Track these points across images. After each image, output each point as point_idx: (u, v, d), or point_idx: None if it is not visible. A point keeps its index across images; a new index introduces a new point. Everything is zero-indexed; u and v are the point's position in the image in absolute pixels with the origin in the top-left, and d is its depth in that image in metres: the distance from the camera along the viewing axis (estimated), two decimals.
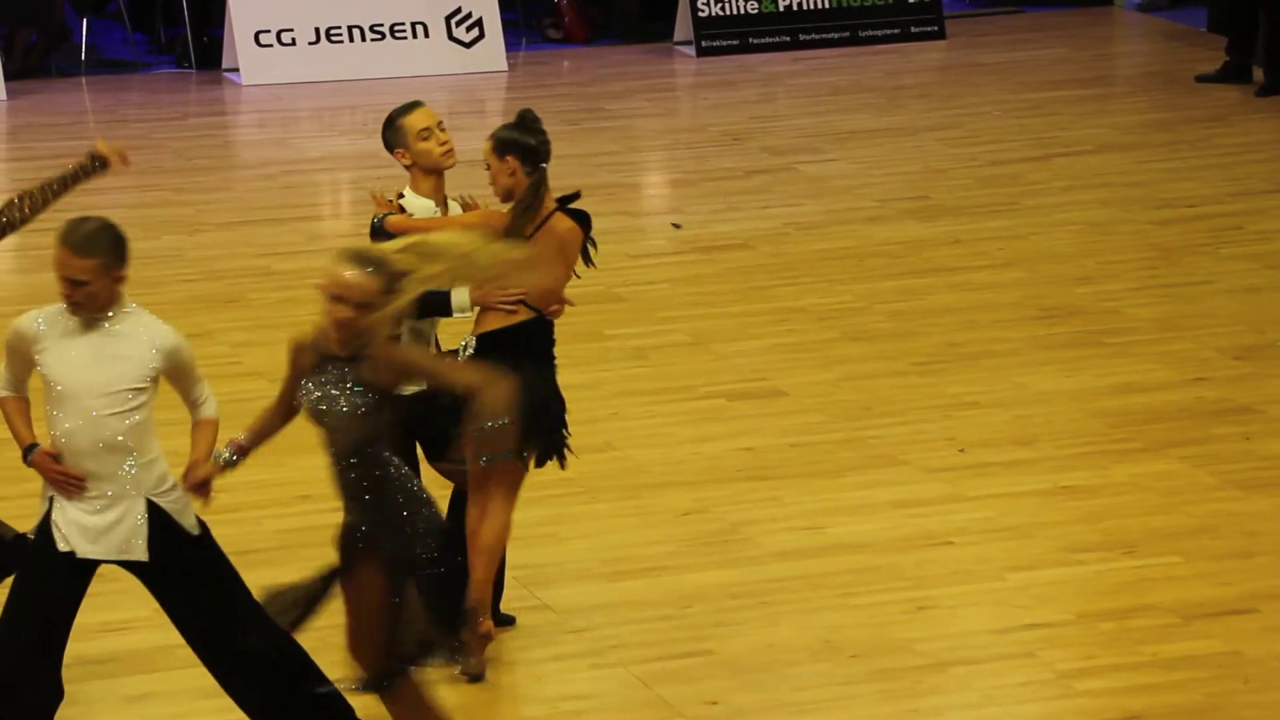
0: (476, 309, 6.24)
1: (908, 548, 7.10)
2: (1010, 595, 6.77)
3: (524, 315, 6.15)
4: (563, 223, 6.24)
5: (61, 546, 5.42)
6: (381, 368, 5.21)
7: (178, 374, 5.47)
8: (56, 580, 5.44)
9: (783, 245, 10.53)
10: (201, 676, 6.18)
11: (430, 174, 6.47)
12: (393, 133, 6.50)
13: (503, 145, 6.23)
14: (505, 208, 6.29)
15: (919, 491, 7.57)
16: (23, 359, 5.49)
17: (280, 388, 5.46)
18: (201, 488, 5.46)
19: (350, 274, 5.17)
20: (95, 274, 5.37)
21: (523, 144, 6.20)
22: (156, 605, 6.75)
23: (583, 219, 6.32)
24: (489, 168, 6.31)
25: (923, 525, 7.29)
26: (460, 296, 6.26)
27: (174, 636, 6.48)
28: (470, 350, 6.18)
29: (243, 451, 5.52)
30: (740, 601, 6.74)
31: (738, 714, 6.08)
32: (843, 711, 6.06)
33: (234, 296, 9.66)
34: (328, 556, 6.84)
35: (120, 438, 5.36)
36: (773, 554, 7.08)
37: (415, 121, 6.46)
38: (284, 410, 5.47)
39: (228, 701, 6.09)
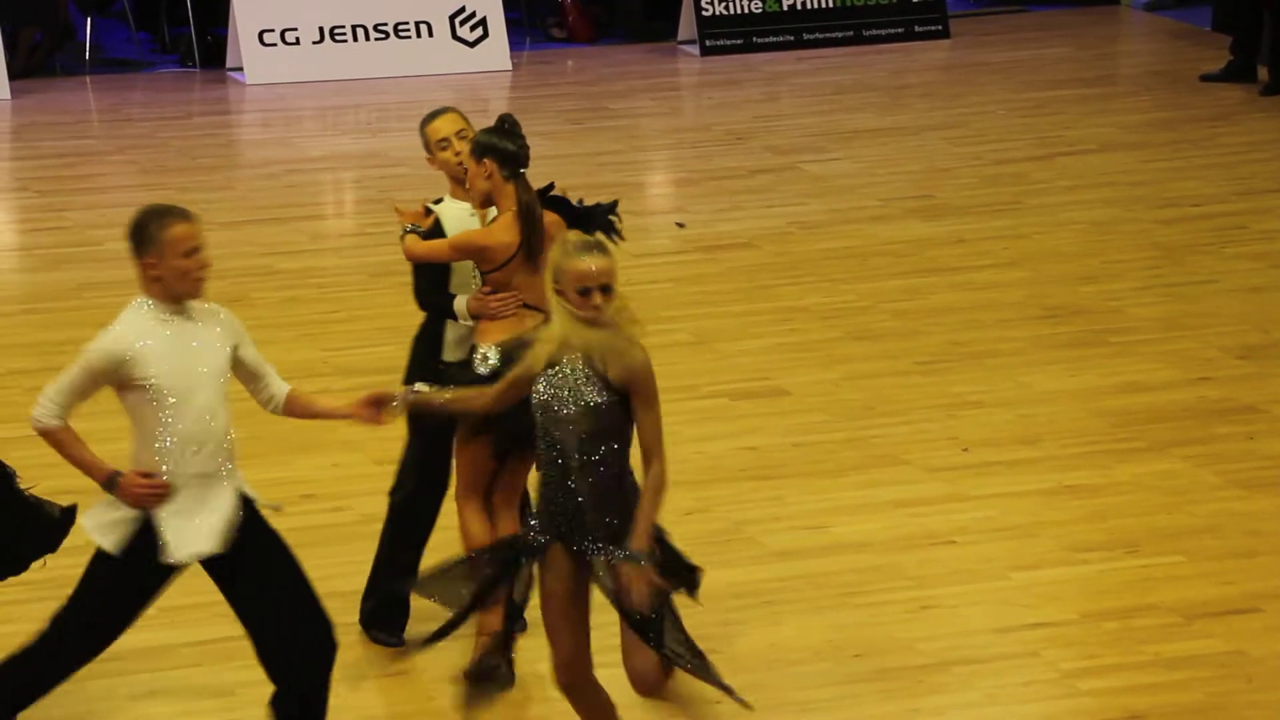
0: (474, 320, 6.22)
1: (910, 547, 7.10)
2: (1013, 595, 6.77)
3: (533, 318, 6.13)
4: (549, 217, 6.25)
5: (166, 559, 5.33)
6: (624, 363, 5.16)
7: (244, 343, 5.43)
8: (144, 597, 5.41)
9: (786, 244, 10.53)
10: (205, 675, 6.20)
11: (457, 182, 6.42)
12: (422, 138, 6.50)
13: (480, 149, 6.20)
14: (490, 214, 6.26)
15: (922, 491, 7.56)
16: (106, 383, 5.38)
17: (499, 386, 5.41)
18: (380, 403, 5.38)
19: (605, 260, 5.17)
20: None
21: (500, 149, 6.17)
22: (161, 604, 6.75)
23: (562, 205, 6.31)
24: (466, 171, 6.28)
25: (925, 524, 7.29)
26: (460, 303, 6.26)
27: (179, 635, 6.49)
28: (492, 360, 6.13)
29: (407, 404, 5.45)
30: (743, 601, 6.74)
31: (742, 713, 6.07)
32: (845, 710, 6.06)
33: (237, 296, 9.66)
34: (330, 555, 6.84)
35: (226, 429, 5.35)
36: (775, 553, 7.08)
37: (436, 130, 6.44)
38: (489, 401, 5.41)
39: (232, 700, 6.10)
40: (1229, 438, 8.04)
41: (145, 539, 5.33)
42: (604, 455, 5.20)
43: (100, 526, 5.39)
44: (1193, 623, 6.56)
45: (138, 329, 5.34)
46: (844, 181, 11.60)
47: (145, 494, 5.31)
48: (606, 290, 5.19)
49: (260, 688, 5.95)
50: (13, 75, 13.55)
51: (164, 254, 5.30)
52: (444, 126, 6.43)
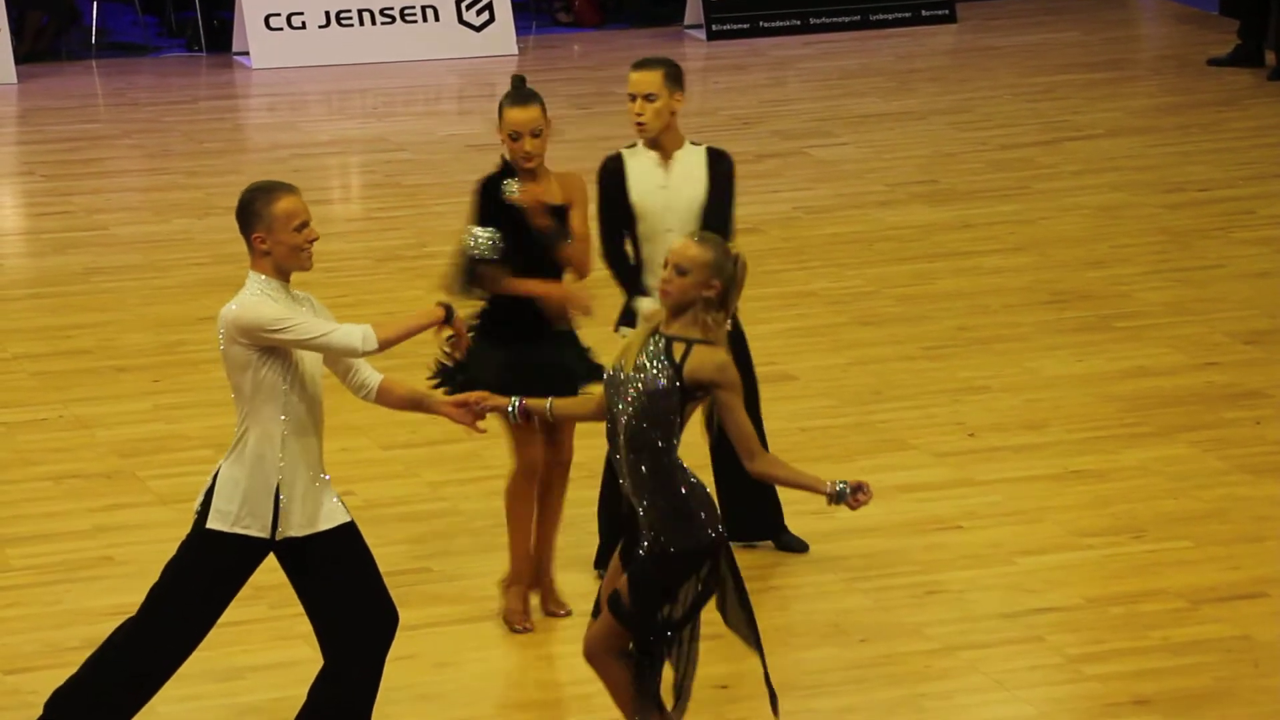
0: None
1: (917, 532, 7.09)
2: (1019, 579, 6.77)
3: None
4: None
5: (272, 534, 5.34)
6: (707, 361, 5.17)
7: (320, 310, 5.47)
8: (246, 573, 5.42)
9: (793, 229, 10.52)
10: (213, 659, 6.20)
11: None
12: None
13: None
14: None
15: (928, 476, 7.56)
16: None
17: None
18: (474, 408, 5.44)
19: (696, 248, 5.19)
20: None
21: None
22: None
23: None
24: (538, 135, 6.28)
25: (932, 509, 7.28)
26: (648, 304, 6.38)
27: None
28: (482, 240, 6.21)
29: (525, 413, 5.47)
30: (749, 586, 6.72)
31: (747, 698, 6.08)
32: (852, 695, 6.07)
33: (244, 281, 9.65)
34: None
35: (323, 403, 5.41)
36: None
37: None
38: (594, 408, 5.42)
39: (239, 685, 6.11)
40: (1236, 423, 8.03)
41: (275, 512, 5.34)
42: (645, 442, 5.20)
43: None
44: (1199, 608, 6.56)
45: (273, 291, 5.37)
46: (850, 166, 11.58)
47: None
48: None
49: (267, 672, 5.96)
50: (19, 59, 13.54)
51: (273, 229, 5.30)
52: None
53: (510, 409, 5.48)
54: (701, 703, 6.04)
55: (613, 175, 6.56)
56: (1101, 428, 8.01)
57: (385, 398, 5.50)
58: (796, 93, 13.37)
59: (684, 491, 5.24)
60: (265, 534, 5.33)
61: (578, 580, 6.76)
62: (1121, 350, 8.82)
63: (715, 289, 5.22)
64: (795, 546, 6.91)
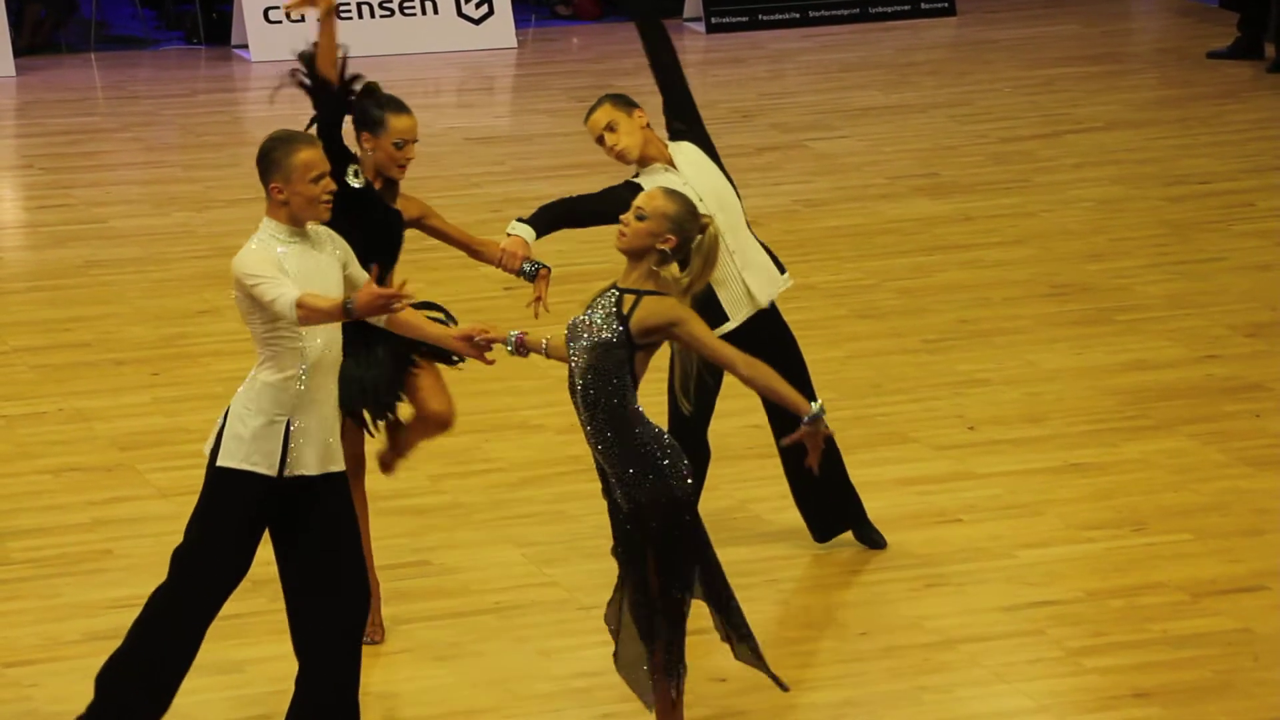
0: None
1: (917, 525, 7.09)
2: (1020, 572, 6.76)
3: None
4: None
5: (280, 472, 5.35)
6: (655, 314, 5.20)
7: (351, 261, 5.51)
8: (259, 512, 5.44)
9: (792, 222, 10.51)
10: (214, 651, 6.19)
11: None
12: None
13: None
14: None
15: (928, 469, 7.56)
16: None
17: None
18: (477, 340, 5.48)
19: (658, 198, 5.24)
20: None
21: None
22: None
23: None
24: (613, 129, 6.43)
25: (932, 502, 7.28)
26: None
27: None
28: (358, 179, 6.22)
29: (522, 346, 5.51)
30: (749, 579, 6.73)
31: (746, 691, 6.07)
32: (851, 688, 6.06)
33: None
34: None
35: (340, 354, 5.47)
36: (781, 531, 7.07)
37: (590, 126, 6.52)
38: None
39: (241, 677, 6.10)
40: (1236, 416, 8.03)
41: (282, 446, 5.36)
42: (600, 392, 5.23)
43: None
44: (1199, 601, 6.56)
45: (273, 246, 5.39)
46: (850, 159, 11.58)
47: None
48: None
49: (269, 664, 5.96)
50: (18, 51, 13.54)
51: (290, 179, 5.35)
52: (595, 121, 6.53)
53: (509, 341, 5.51)
54: (701, 696, 6.04)
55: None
56: (1102, 421, 8.00)
57: (396, 324, 5.56)
58: (796, 86, 13.36)
59: (646, 441, 5.27)
60: (273, 472, 5.33)
61: (586, 571, 6.75)
62: (1122, 343, 8.81)
63: (670, 243, 5.25)
64: (876, 541, 6.87)
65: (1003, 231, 10.33)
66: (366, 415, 6.23)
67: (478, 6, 14.22)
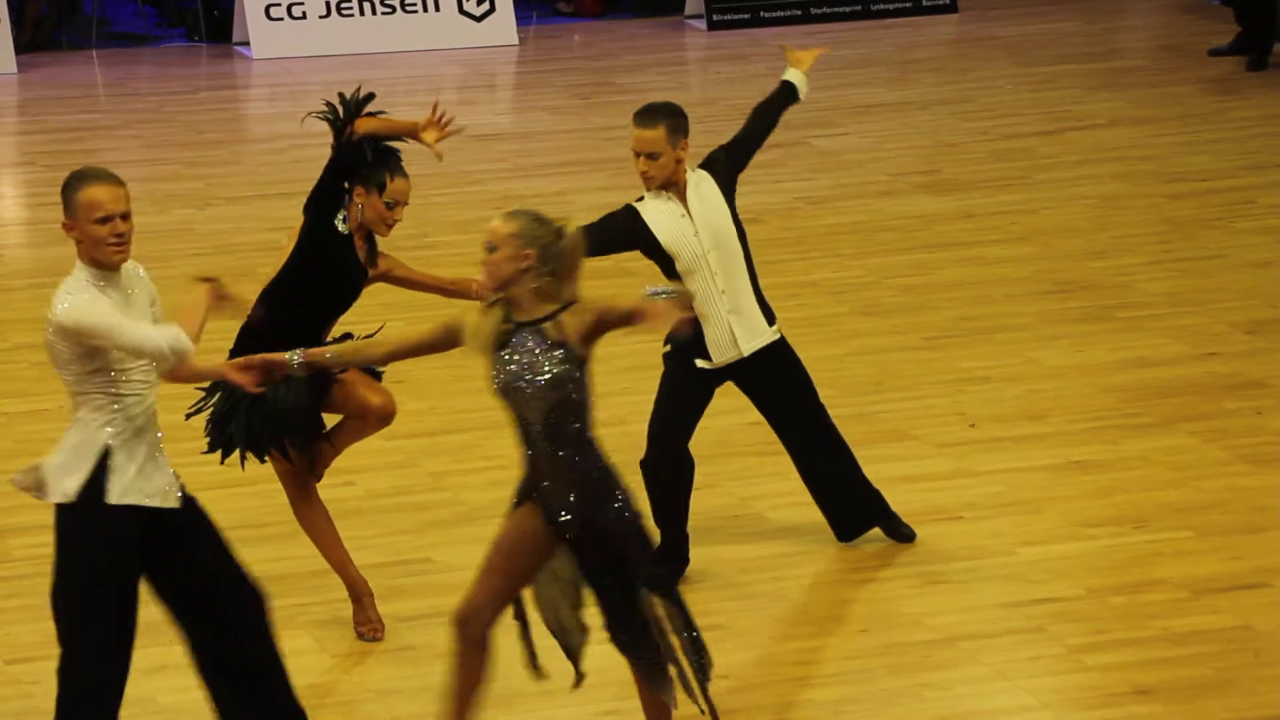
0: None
1: (918, 522, 7.09)
2: (1020, 570, 6.76)
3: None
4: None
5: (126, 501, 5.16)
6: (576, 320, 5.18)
7: (156, 299, 5.38)
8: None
9: (794, 220, 10.51)
10: None
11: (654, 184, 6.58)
12: None
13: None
14: None
15: (929, 466, 7.56)
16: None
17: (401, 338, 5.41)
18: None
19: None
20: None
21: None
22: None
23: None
24: (655, 157, 6.44)
25: (933, 500, 7.28)
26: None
27: None
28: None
29: (306, 365, 5.39)
30: (750, 576, 6.74)
31: (747, 688, 6.08)
32: (852, 685, 6.06)
33: (245, 270, 9.65)
34: (340, 531, 6.82)
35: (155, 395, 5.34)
36: (782, 528, 7.07)
37: (631, 136, 6.51)
38: (376, 357, 5.47)
39: None
40: (1237, 413, 8.03)
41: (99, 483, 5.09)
42: (566, 431, 5.21)
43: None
44: (1200, 598, 6.56)
45: (93, 291, 5.07)
46: (852, 156, 11.57)
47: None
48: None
49: (289, 659, 5.94)
50: (19, 49, 13.54)
51: (77, 217, 5.02)
52: (644, 140, 6.48)
53: (290, 359, 5.35)
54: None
55: (636, 231, 6.52)
56: (1103, 418, 8.00)
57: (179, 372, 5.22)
58: None
59: (604, 467, 5.25)
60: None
61: None
62: (1123, 340, 8.81)
63: (530, 258, 5.17)
64: (905, 534, 6.87)
65: (1004, 229, 10.33)
66: (288, 445, 6.21)
67: (479, 4, 14.22)
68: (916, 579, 6.70)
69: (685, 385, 6.64)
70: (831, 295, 9.41)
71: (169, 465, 5.18)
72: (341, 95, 6.24)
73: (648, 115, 6.51)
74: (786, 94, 6.93)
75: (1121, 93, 12.84)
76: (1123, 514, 7.17)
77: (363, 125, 6.20)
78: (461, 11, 14.17)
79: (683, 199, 6.57)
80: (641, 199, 6.60)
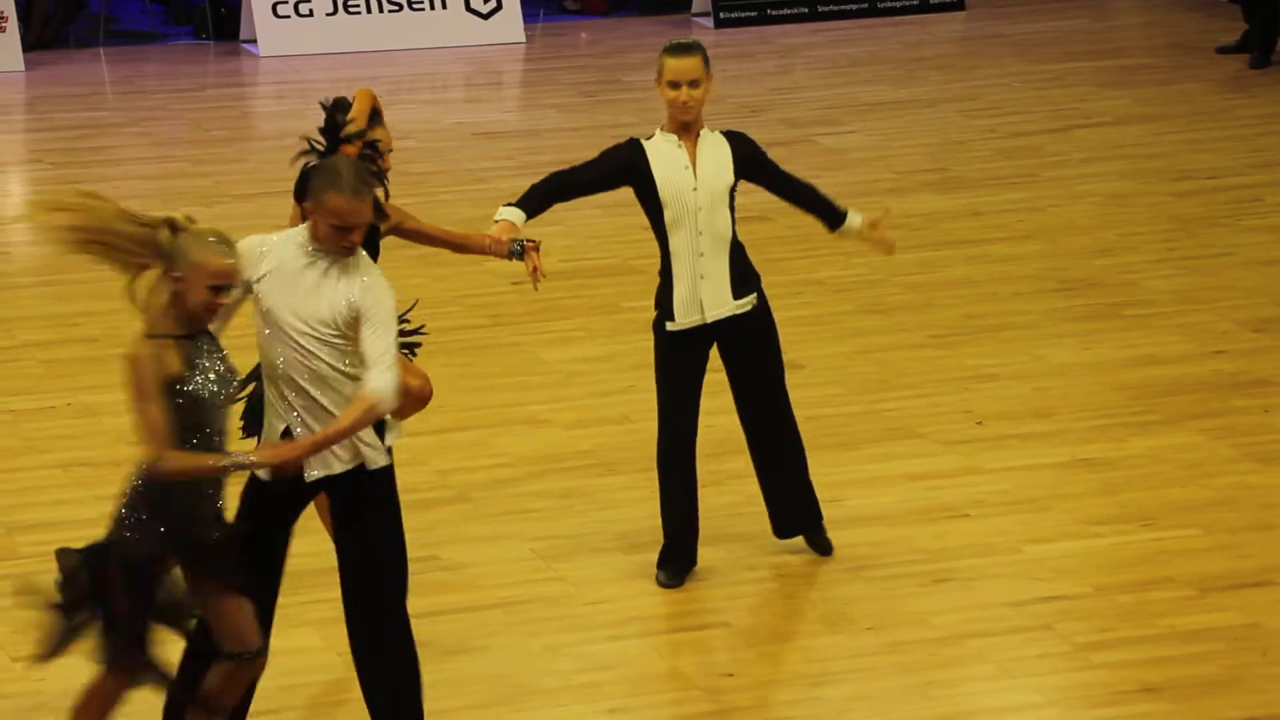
0: None
1: (924, 520, 7.09)
2: (1027, 568, 6.76)
3: None
4: None
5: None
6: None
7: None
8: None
9: (800, 217, 10.45)
10: None
11: (672, 119, 6.45)
12: (658, 62, 6.50)
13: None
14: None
15: (936, 464, 7.55)
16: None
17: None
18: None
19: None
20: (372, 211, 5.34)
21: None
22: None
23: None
24: (696, 84, 6.37)
25: (939, 498, 7.28)
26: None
27: None
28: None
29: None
30: (756, 574, 6.74)
31: (754, 686, 6.08)
32: (858, 683, 6.06)
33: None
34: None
35: None
36: None
37: (668, 68, 6.40)
38: None
39: (269, 669, 6.09)
40: (1244, 411, 8.02)
41: None
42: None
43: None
44: (1208, 596, 6.55)
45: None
46: (858, 154, 11.57)
47: None
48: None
49: (280, 659, 5.95)
50: (27, 46, 13.54)
51: (318, 213, 5.28)
52: (684, 67, 6.39)
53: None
54: (708, 690, 6.04)
55: (635, 165, 6.48)
56: (1110, 416, 8.00)
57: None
58: (804, 81, 13.35)
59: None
60: None
61: (594, 566, 6.76)
62: (1130, 338, 8.81)
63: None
64: (824, 547, 6.83)
65: (1011, 227, 10.32)
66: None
67: (486, 1, 14.22)
68: (923, 577, 6.70)
69: (673, 363, 6.58)
70: (837, 293, 9.40)
71: None
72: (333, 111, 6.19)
73: (683, 46, 6.51)
74: (833, 211, 6.77)
75: (1129, 90, 12.83)
76: (1130, 512, 7.17)
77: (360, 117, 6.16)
78: (468, 9, 14.17)
79: (692, 150, 6.52)
80: (650, 136, 6.56)
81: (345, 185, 5.27)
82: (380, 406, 5.20)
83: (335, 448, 5.30)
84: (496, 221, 6.36)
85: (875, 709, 5.94)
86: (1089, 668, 6.16)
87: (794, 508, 6.77)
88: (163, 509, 5.11)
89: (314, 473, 5.34)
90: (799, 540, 6.90)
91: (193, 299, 5.09)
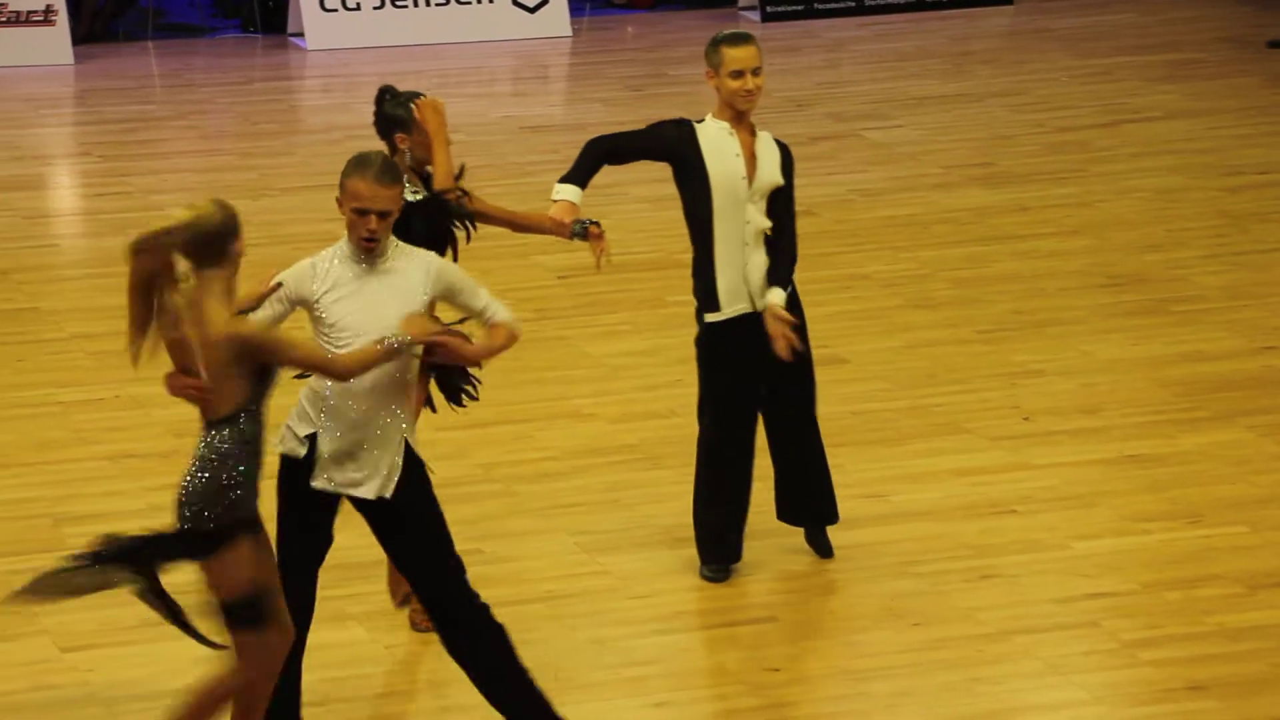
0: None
1: (971, 516, 7.07)
2: (1075, 564, 6.73)
3: None
4: None
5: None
6: None
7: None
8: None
9: (847, 212, 10.48)
10: None
11: (727, 106, 6.44)
12: (714, 55, 6.45)
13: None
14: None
15: (983, 460, 7.53)
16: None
17: None
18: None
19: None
20: (397, 203, 5.36)
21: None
22: None
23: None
24: (757, 72, 6.43)
25: (986, 493, 7.25)
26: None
27: None
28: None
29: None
30: (802, 569, 6.73)
31: (799, 681, 6.07)
32: (904, 679, 6.05)
33: (298, 260, 9.69)
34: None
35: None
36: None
37: (730, 58, 6.39)
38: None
39: (315, 661, 6.11)
40: None
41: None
42: None
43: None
44: (1256, 593, 6.51)
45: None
46: (906, 149, 11.54)
47: None
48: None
49: (319, 653, 5.97)
50: (76, 40, 13.61)
51: (342, 198, 5.43)
52: (748, 56, 6.40)
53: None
54: (754, 685, 6.03)
55: (685, 145, 6.43)
56: (1158, 412, 7.96)
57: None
58: (851, 75, 13.31)
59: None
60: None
61: (638, 560, 6.76)
62: (1178, 334, 8.76)
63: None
64: (824, 550, 6.78)
65: (1058, 222, 10.27)
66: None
67: None
68: (969, 573, 6.68)
69: (723, 354, 6.55)
70: (885, 288, 9.38)
71: None
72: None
73: (740, 36, 6.49)
74: (771, 276, 6.58)
75: (1178, 85, 12.75)
76: (1178, 508, 7.13)
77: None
78: (515, 3, 14.17)
79: (747, 142, 6.46)
80: (701, 120, 6.53)
81: (369, 170, 5.36)
82: (518, 330, 5.46)
83: (365, 473, 5.36)
84: (555, 201, 6.35)
85: (921, 705, 5.92)
86: (1136, 665, 6.13)
87: (806, 498, 6.70)
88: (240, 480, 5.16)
89: (350, 491, 5.41)
90: (846, 536, 6.88)
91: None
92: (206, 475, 5.14)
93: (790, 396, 6.62)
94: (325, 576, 6.15)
